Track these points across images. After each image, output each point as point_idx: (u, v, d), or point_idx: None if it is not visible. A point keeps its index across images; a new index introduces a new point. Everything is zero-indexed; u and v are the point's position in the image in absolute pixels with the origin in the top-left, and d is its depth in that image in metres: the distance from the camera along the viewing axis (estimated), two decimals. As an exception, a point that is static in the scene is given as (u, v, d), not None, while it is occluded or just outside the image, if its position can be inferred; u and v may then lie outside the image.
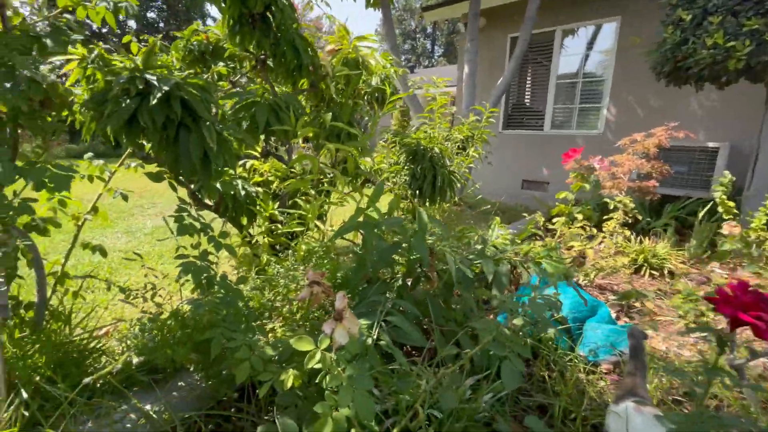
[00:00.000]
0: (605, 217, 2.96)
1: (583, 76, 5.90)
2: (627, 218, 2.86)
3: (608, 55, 5.60)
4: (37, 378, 1.27)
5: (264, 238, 2.00)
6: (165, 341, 1.27)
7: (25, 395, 1.18)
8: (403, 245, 1.50)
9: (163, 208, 5.63)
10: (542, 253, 1.49)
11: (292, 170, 2.16)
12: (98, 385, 1.35)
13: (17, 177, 1.03)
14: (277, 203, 2.17)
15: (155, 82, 1.12)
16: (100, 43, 1.91)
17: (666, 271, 3.15)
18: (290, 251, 1.95)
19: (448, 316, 1.51)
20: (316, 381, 1.02)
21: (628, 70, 5.36)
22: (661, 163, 3.50)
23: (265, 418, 1.47)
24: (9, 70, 1.06)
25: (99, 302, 2.46)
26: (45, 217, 1.56)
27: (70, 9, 1.73)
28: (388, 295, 1.44)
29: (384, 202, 1.85)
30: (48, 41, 1.09)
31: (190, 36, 2.42)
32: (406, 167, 2.92)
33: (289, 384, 1.00)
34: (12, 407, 1.15)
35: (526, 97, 6.91)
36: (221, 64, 2.47)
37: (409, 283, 1.67)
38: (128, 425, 1.31)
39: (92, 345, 1.48)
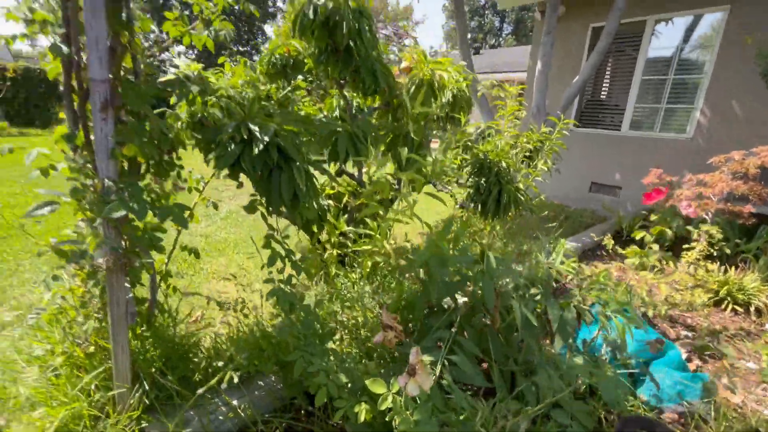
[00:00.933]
0: (685, 246, 2.74)
1: (674, 73, 5.30)
2: (712, 250, 2.62)
3: (708, 51, 4.96)
4: (152, 369, 1.53)
5: (333, 250, 2.14)
6: (254, 356, 1.46)
7: (147, 387, 1.43)
8: (468, 282, 1.55)
9: (235, 193, 6.12)
10: (612, 305, 1.46)
11: (362, 185, 2.27)
12: (197, 378, 1.60)
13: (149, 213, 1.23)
14: (346, 216, 2.30)
15: (258, 134, 1.26)
16: (200, 67, 2.12)
17: (753, 308, 2.86)
18: (356, 267, 2.08)
19: (509, 353, 1.54)
20: (386, 418, 1.14)
21: (732, 69, 4.73)
22: (761, 185, 3.12)
23: (330, 423, 1.65)
24: (142, 123, 1.25)
25: (192, 287, 2.83)
26: (154, 224, 1.82)
27: (179, 38, 1.94)
28: (451, 329, 1.51)
29: (442, 208, 1.90)
30: (175, 96, 1.25)
31: (274, 50, 2.58)
32: (470, 179, 2.91)
33: (362, 418, 1.12)
34: (137, 395, 1.41)
35: (603, 92, 6.38)
36: (300, 77, 2.61)
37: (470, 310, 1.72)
38: (220, 417, 1.55)
39: (192, 341, 1.74)
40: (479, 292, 1.57)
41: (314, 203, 1.46)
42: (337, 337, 1.89)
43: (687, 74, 5.23)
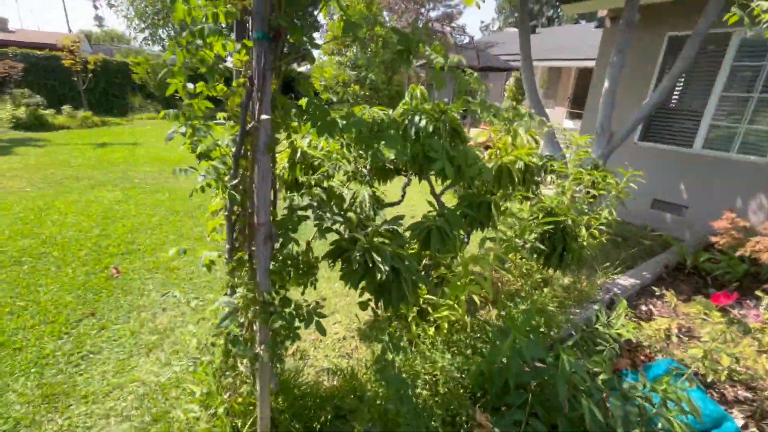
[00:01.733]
0: (751, 316, 2.78)
1: (760, 91, 4.94)
2: (779, 319, 2.65)
3: (803, 69, 4.57)
4: (283, 419, 1.98)
5: (414, 309, 2.48)
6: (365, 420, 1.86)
7: (285, 436, 1.88)
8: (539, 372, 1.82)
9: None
10: (672, 410, 1.68)
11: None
12: (317, 427, 2.03)
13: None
14: (424, 273, 2.62)
15: (380, 264, 1.58)
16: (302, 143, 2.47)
17: (822, 370, 2.86)
18: (435, 327, 2.42)
19: (574, 433, 1.82)
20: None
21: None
22: None
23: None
24: (286, 244, 1.61)
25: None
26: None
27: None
28: (524, 407, 1.81)
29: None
30: (313, 219, 1.60)
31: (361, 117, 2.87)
32: (536, 232, 3.09)
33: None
34: (277, 442, 1.87)
35: (673, 104, 6.04)
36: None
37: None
38: (334, 459, 1.98)
39: (308, 392, 2.17)
40: (547, 379, 1.84)
41: (414, 301, 1.78)
42: (419, 391, 2.25)
43: (775, 93, 4.86)
